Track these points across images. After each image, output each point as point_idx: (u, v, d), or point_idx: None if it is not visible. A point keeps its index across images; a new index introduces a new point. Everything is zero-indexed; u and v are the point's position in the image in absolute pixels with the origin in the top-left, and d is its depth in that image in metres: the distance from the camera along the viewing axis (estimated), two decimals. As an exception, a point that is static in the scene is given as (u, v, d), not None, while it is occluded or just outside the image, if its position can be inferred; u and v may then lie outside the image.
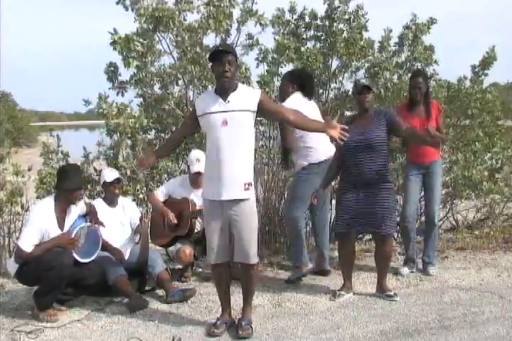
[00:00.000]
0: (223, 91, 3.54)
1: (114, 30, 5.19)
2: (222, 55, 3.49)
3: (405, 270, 4.94)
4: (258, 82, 5.61)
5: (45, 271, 3.82)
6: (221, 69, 3.47)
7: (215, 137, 3.51)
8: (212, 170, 3.53)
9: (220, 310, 3.84)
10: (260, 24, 5.58)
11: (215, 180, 3.51)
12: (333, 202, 5.36)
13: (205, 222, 3.72)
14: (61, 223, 4.05)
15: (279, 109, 3.72)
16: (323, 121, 3.81)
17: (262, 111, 3.57)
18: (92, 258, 4.10)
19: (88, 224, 4.14)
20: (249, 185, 3.53)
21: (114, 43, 5.17)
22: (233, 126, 3.47)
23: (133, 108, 5.43)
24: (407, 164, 5.00)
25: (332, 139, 3.61)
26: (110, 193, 4.61)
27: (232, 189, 3.49)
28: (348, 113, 4.67)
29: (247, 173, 3.55)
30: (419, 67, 6.05)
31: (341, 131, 3.54)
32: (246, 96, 3.54)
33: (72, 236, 3.99)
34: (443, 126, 5.08)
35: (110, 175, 4.58)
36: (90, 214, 4.23)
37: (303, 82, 4.77)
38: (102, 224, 4.25)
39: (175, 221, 4.75)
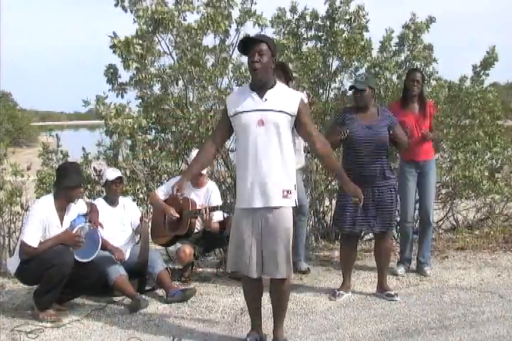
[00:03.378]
0: (258, 86, 3.18)
1: (114, 33, 5.21)
2: (250, 44, 3.13)
3: (401, 270, 4.94)
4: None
5: (45, 269, 3.82)
6: (250, 60, 3.12)
7: (249, 137, 3.14)
8: (245, 175, 3.18)
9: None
10: (259, 25, 5.59)
11: (248, 185, 3.16)
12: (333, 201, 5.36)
13: (234, 232, 3.28)
14: (61, 221, 4.05)
15: (311, 130, 3.27)
16: None
17: (295, 121, 3.20)
18: (92, 258, 4.09)
19: (88, 223, 4.14)
20: (288, 192, 3.16)
21: (113, 47, 5.18)
22: (270, 126, 3.12)
23: (131, 108, 5.44)
24: (401, 162, 4.98)
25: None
26: (112, 192, 4.60)
27: (267, 195, 3.13)
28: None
29: (286, 179, 3.17)
30: (419, 67, 6.05)
31: (356, 200, 3.43)
32: (285, 97, 3.19)
33: (73, 233, 3.99)
34: (434, 126, 5.10)
35: (112, 173, 4.59)
36: (91, 214, 4.23)
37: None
38: (100, 225, 4.22)
39: (176, 215, 4.74)
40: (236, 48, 5.61)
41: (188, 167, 3.41)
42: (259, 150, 3.14)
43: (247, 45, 3.16)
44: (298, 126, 3.24)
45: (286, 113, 3.16)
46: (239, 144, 3.26)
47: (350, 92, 4.89)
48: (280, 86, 3.26)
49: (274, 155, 3.14)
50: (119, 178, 4.59)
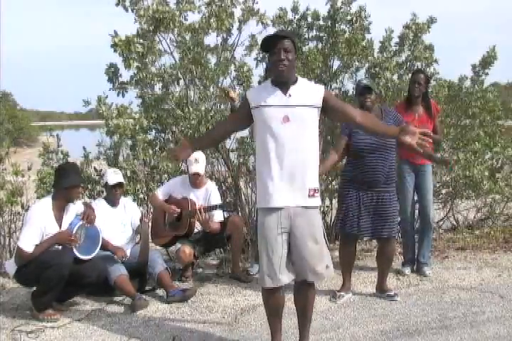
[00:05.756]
0: (282, 83, 3.06)
1: (115, 32, 5.20)
2: (276, 41, 3.02)
3: (408, 270, 4.94)
4: (259, 83, 5.64)
5: (44, 270, 3.82)
6: (275, 57, 3.01)
7: (273, 134, 3.01)
8: (270, 173, 3.03)
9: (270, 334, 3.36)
10: (262, 23, 5.58)
11: (274, 185, 3.02)
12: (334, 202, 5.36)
13: (261, 236, 3.11)
14: (59, 222, 4.05)
15: (346, 108, 3.17)
16: None
17: (325, 109, 3.09)
18: (93, 255, 4.09)
19: (85, 221, 4.13)
20: (314, 191, 3.05)
21: (114, 45, 5.18)
22: (296, 123, 3.01)
23: (132, 109, 5.43)
24: (398, 162, 4.97)
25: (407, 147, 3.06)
26: (112, 195, 4.60)
27: (295, 195, 3.02)
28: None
29: (313, 177, 3.06)
30: (420, 67, 6.05)
31: (422, 137, 3.01)
32: (309, 91, 3.08)
33: (73, 233, 3.99)
34: (440, 126, 5.09)
35: (113, 177, 4.55)
36: (86, 211, 4.19)
37: None
38: (92, 221, 4.14)
39: (178, 210, 4.74)
40: (238, 47, 5.65)
41: (199, 137, 3.27)
42: (284, 147, 3.00)
43: (271, 42, 3.05)
44: (330, 112, 3.14)
45: (311, 106, 3.05)
46: (260, 140, 3.09)
47: (354, 94, 4.84)
48: (302, 81, 3.15)
49: (300, 153, 3.02)
50: (119, 184, 4.58)
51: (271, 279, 3.09)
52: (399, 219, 4.88)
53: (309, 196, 3.05)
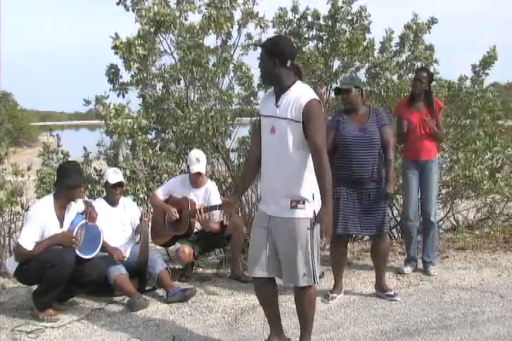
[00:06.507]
0: (276, 91, 3.10)
1: (116, 34, 5.19)
2: (260, 50, 3.14)
3: (408, 269, 4.93)
4: (259, 85, 5.66)
5: (46, 269, 3.82)
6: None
7: (264, 144, 3.11)
8: (262, 179, 3.19)
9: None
10: (260, 27, 5.59)
11: (263, 190, 3.19)
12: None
13: (251, 230, 3.31)
14: (61, 220, 4.05)
15: (310, 132, 2.98)
16: None
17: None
18: (94, 254, 4.10)
19: (86, 220, 4.13)
20: (297, 202, 2.99)
21: (115, 48, 5.17)
22: (280, 134, 3.00)
23: (131, 108, 5.44)
24: (403, 162, 4.98)
25: None
26: (112, 195, 4.59)
27: (275, 204, 3.06)
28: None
29: (298, 189, 3.00)
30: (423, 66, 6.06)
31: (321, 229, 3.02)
32: (295, 102, 2.98)
33: (73, 234, 3.99)
34: (442, 123, 5.08)
35: (113, 177, 4.54)
36: (87, 209, 4.19)
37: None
38: (94, 218, 4.16)
39: (177, 215, 4.74)
40: (237, 49, 5.66)
41: (239, 185, 3.54)
42: (270, 158, 3.06)
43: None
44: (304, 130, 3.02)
45: (291, 119, 2.98)
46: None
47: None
48: (295, 88, 3.04)
49: (283, 164, 3.01)
50: (120, 183, 4.58)
51: (250, 269, 3.25)
52: (398, 218, 4.89)
53: (291, 207, 3.01)
